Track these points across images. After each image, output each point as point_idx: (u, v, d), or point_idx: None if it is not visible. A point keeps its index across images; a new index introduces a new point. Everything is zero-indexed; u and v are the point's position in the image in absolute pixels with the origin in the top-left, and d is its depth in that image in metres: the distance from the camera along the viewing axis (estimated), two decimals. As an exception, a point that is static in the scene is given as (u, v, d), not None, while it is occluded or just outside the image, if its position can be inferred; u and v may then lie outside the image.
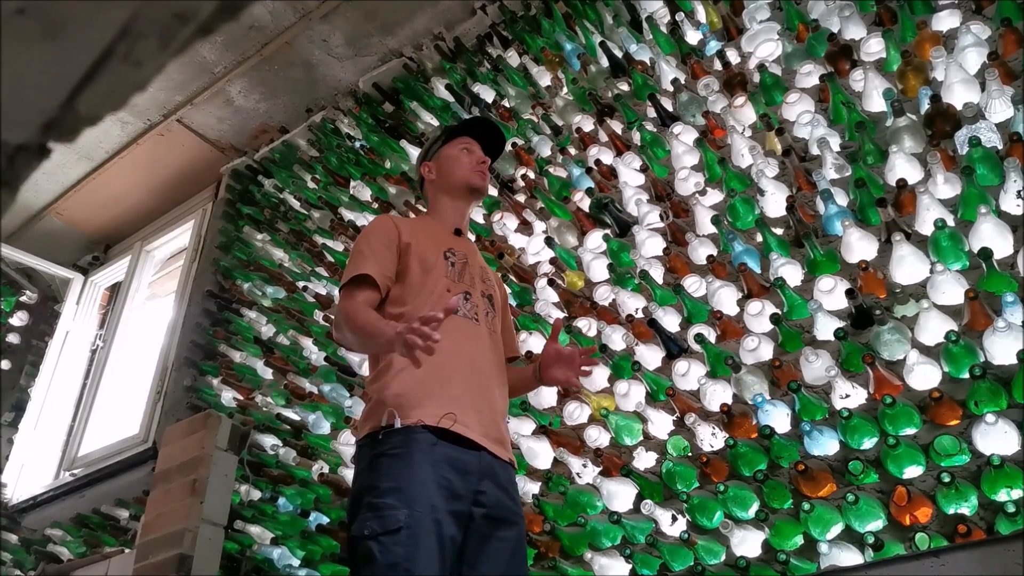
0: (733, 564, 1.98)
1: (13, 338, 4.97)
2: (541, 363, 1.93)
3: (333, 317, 1.78)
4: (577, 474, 2.38)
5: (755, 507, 2.04)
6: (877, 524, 1.86)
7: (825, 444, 2.01)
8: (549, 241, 2.81)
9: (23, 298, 5.08)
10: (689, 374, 2.33)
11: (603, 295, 2.67)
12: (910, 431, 1.92)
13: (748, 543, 2.00)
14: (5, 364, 4.89)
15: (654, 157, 2.76)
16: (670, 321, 2.45)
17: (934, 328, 1.96)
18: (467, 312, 1.82)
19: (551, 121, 3.14)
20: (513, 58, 3.44)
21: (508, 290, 2.73)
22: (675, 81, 2.80)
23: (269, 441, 3.22)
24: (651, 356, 2.44)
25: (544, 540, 2.31)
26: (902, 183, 2.14)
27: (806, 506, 1.89)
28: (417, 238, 1.88)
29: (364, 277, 1.78)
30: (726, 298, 2.38)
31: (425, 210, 2.11)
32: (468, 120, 2.17)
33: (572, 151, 3.05)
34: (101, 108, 0.32)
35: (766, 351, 2.24)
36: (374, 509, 1.54)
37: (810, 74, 2.54)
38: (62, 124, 0.32)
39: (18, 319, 5.03)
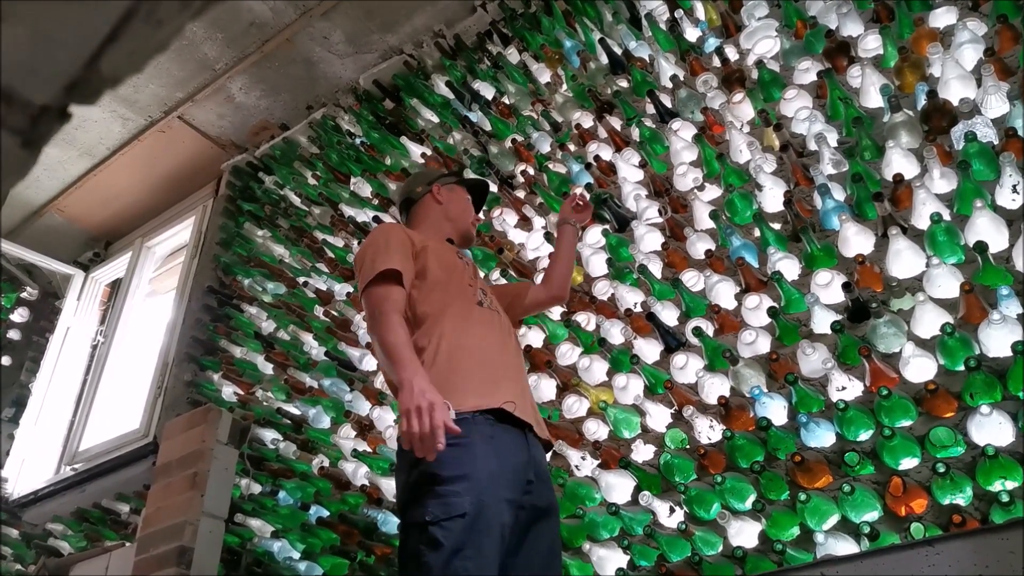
0: (730, 555, 2.00)
1: (14, 334, 4.98)
2: (560, 220, 2.21)
3: (367, 307, 1.77)
4: (576, 466, 2.40)
5: (752, 498, 2.05)
6: (873, 515, 1.88)
7: (822, 436, 2.03)
8: (548, 236, 2.82)
9: (24, 294, 5.09)
10: (687, 367, 2.34)
11: (602, 290, 2.69)
12: (906, 423, 1.94)
13: (745, 534, 2.02)
14: (6, 360, 4.90)
15: (653, 153, 2.78)
16: (668, 315, 2.47)
17: (930, 321, 1.98)
18: (489, 305, 1.92)
19: (551, 117, 3.15)
20: (513, 55, 3.46)
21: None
22: (674, 78, 2.82)
23: (269, 435, 3.24)
24: (649, 350, 2.46)
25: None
26: (899, 178, 2.16)
27: (803, 497, 1.91)
28: (431, 241, 1.93)
29: (391, 272, 1.77)
30: (724, 292, 2.39)
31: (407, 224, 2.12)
32: (474, 180, 2.28)
33: (571, 147, 3.07)
34: (123, 69, 0.34)
35: (763, 344, 2.25)
36: (437, 496, 1.56)
37: (808, 70, 2.56)
38: (85, 85, 0.33)
39: (19, 315, 5.04)
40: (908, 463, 1.90)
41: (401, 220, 2.19)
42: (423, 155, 3.49)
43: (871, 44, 2.49)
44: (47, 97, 0.32)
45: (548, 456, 1.88)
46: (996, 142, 2.11)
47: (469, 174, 3.12)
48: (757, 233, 2.41)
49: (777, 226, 2.41)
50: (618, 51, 3.06)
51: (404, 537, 1.64)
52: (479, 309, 1.87)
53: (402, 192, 2.17)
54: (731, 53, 2.78)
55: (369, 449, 2.95)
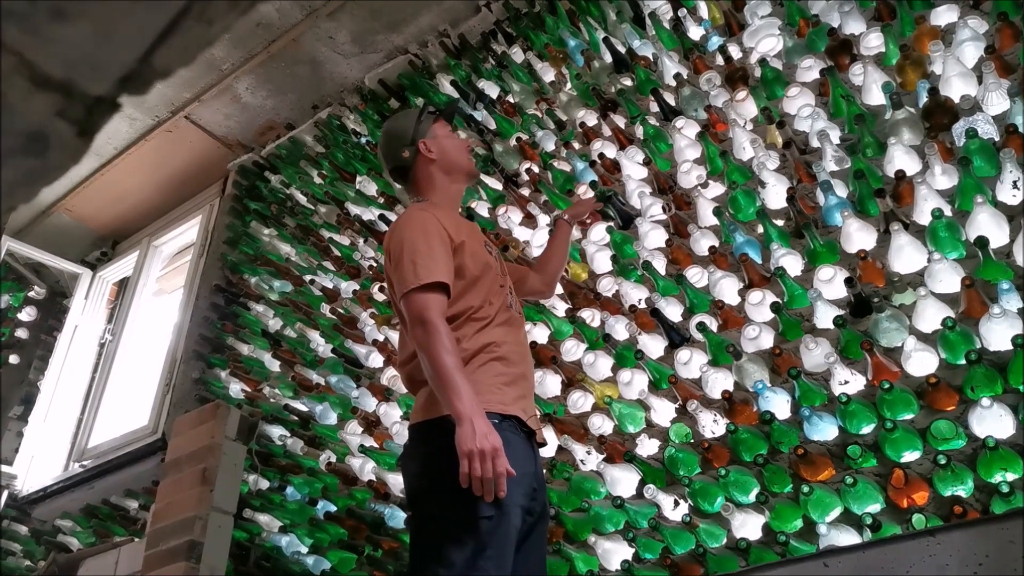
0: (734, 547, 2.02)
1: (22, 333, 5.02)
2: (565, 218, 2.28)
3: (410, 313, 1.69)
4: (581, 461, 2.43)
5: (755, 491, 2.08)
6: (875, 507, 1.90)
7: (824, 429, 2.05)
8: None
9: (32, 293, 5.13)
10: (691, 363, 2.37)
11: (607, 286, 2.71)
12: (908, 416, 1.96)
13: (749, 526, 2.04)
14: (14, 358, 4.94)
15: (657, 151, 2.80)
16: (672, 311, 2.49)
17: (931, 315, 2.00)
18: (515, 308, 1.91)
19: (555, 116, 3.18)
20: (517, 54, 3.48)
21: None
22: (677, 76, 2.84)
23: (277, 431, 3.27)
24: (654, 345, 2.48)
25: (548, 525, 2.34)
26: (900, 174, 2.18)
27: (805, 489, 1.93)
28: (464, 235, 1.83)
29: (437, 283, 1.69)
30: (727, 288, 2.42)
31: (414, 195, 1.98)
32: (445, 109, 2.09)
33: (576, 145, 3.09)
34: (174, 63, 0.36)
35: (767, 339, 2.28)
36: (464, 496, 1.55)
37: (810, 68, 2.58)
38: (138, 78, 0.35)
39: (27, 314, 5.08)
40: (910, 456, 1.92)
41: (398, 186, 2.05)
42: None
43: (873, 42, 2.51)
44: (103, 89, 0.34)
45: (541, 451, 1.88)
46: (997, 138, 2.13)
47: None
48: (760, 229, 2.43)
49: (780, 222, 2.43)
50: (622, 50, 3.09)
51: (419, 530, 1.66)
52: (508, 313, 1.85)
53: (389, 158, 1.98)
54: (734, 51, 2.80)
55: (376, 444, 2.97)
